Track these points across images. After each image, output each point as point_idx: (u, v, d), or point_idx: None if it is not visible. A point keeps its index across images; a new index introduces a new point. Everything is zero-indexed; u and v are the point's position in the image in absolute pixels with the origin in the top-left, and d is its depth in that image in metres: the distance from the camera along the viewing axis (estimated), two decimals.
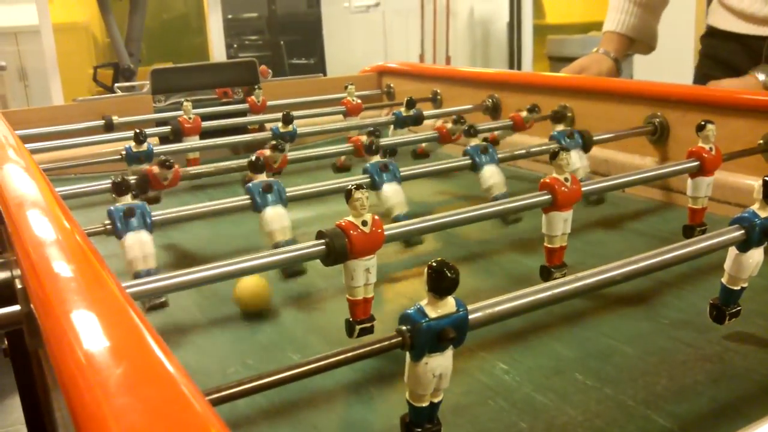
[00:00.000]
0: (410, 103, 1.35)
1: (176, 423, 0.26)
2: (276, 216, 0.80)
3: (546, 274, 0.74)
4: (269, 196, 0.81)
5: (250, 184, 0.82)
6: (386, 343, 0.43)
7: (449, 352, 0.45)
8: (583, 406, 0.54)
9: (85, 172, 1.33)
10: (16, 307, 0.53)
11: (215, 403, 0.39)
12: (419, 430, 0.46)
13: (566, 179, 0.72)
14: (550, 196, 0.72)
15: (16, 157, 0.77)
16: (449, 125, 1.17)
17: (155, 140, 1.37)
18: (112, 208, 0.74)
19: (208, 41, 5.24)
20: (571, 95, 1.26)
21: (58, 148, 1.27)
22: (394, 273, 0.85)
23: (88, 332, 0.33)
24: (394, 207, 0.88)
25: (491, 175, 0.95)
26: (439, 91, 1.60)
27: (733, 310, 0.61)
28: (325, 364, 0.43)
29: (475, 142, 0.99)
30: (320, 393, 0.58)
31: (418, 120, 1.34)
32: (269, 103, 1.53)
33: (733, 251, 0.59)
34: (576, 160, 1.01)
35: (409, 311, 0.43)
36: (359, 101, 1.49)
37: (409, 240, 0.92)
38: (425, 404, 0.46)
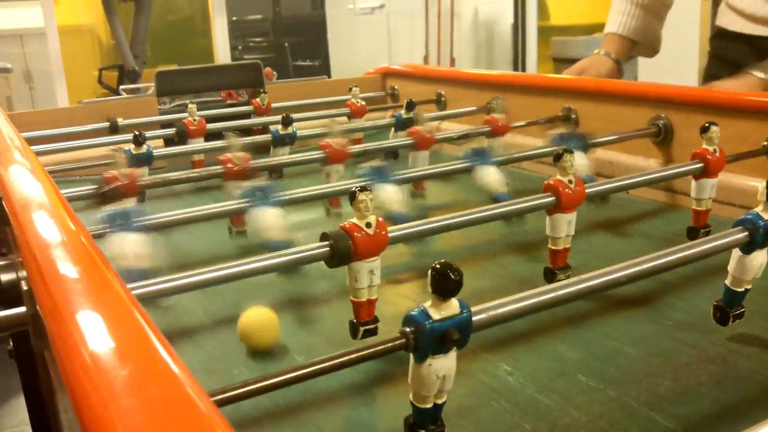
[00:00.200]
0: (410, 105, 1.35)
1: (181, 424, 0.26)
2: (270, 216, 0.80)
3: (550, 276, 0.74)
4: (263, 199, 0.80)
5: (240, 190, 0.81)
6: (390, 344, 0.44)
7: (453, 354, 0.45)
8: (587, 407, 0.54)
9: (90, 174, 1.33)
10: (22, 309, 0.53)
11: (220, 404, 0.39)
12: (423, 431, 0.47)
13: (570, 181, 0.72)
14: (553, 198, 0.72)
15: (22, 159, 0.78)
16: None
17: (160, 142, 1.38)
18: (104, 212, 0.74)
19: (212, 43, 5.26)
20: (575, 97, 1.26)
21: (64, 150, 1.28)
22: (398, 275, 0.85)
23: (94, 334, 0.33)
24: (387, 204, 0.88)
25: (488, 173, 0.95)
26: (443, 92, 1.61)
27: (737, 312, 0.61)
28: (329, 365, 0.43)
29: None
30: (324, 394, 0.58)
31: (419, 122, 1.34)
32: (274, 105, 1.53)
33: (736, 253, 0.59)
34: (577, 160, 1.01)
35: (412, 313, 0.43)
36: (363, 103, 1.49)
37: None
38: (429, 405, 0.46)
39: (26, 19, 4.81)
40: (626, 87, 1.22)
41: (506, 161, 1.01)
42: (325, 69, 5.77)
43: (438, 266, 0.43)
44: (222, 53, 5.12)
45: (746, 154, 0.95)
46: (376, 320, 0.62)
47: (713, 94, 1.10)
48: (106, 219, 0.73)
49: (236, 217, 0.91)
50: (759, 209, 0.58)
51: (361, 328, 0.62)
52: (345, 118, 1.49)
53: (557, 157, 0.73)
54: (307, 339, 0.70)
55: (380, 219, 0.61)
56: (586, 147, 1.03)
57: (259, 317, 0.67)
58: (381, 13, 5.14)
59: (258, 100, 1.54)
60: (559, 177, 0.73)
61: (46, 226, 0.51)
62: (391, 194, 0.87)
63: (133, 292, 0.51)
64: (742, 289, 0.60)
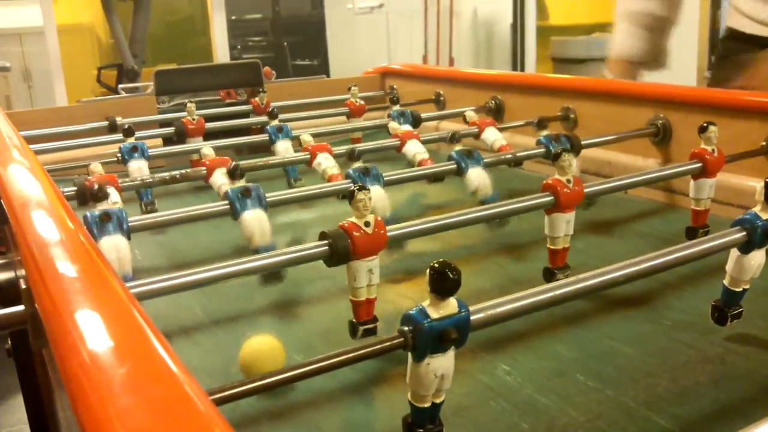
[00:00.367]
0: (394, 100, 1.35)
1: (180, 423, 0.26)
2: (255, 220, 0.80)
3: (549, 276, 0.74)
4: (248, 201, 0.80)
5: (229, 190, 0.81)
6: (388, 343, 0.44)
7: (451, 353, 0.45)
8: (585, 407, 0.54)
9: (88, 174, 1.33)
10: (20, 307, 0.53)
11: (219, 402, 0.39)
12: (421, 430, 0.47)
13: (569, 180, 0.72)
14: (552, 198, 0.72)
15: (21, 158, 0.78)
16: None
17: (159, 141, 1.38)
18: (87, 214, 0.73)
19: (211, 42, 5.25)
20: (574, 97, 1.26)
21: (62, 149, 1.28)
22: (397, 274, 0.85)
23: (93, 332, 0.33)
24: (376, 210, 0.88)
25: (476, 177, 0.94)
26: (442, 92, 1.61)
27: (735, 312, 0.61)
28: (328, 364, 0.43)
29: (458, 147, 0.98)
30: (323, 393, 0.58)
31: (416, 121, 1.34)
32: (273, 104, 1.53)
33: (734, 253, 0.59)
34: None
35: (411, 312, 0.43)
36: (362, 103, 1.49)
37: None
38: (427, 405, 0.46)
39: (25, 17, 4.80)
40: (625, 87, 1.22)
41: (497, 162, 1.01)
42: (324, 68, 5.77)
43: (436, 265, 0.43)
44: (221, 52, 5.12)
45: (745, 154, 0.95)
46: (375, 320, 0.63)
47: (712, 94, 1.10)
48: (95, 221, 0.72)
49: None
50: (757, 209, 0.58)
51: (361, 328, 0.62)
52: (342, 118, 1.49)
53: (556, 157, 0.73)
54: (305, 338, 0.70)
55: (378, 218, 0.61)
56: (574, 148, 1.03)
57: (261, 349, 0.61)
58: (380, 12, 5.13)
59: (257, 99, 1.54)
60: (557, 176, 0.73)
61: (44, 224, 0.51)
62: (377, 197, 0.87)
63: (132, 290, 0.51)
64: (740, 289, 0.60)
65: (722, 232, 0.58)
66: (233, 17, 5.91)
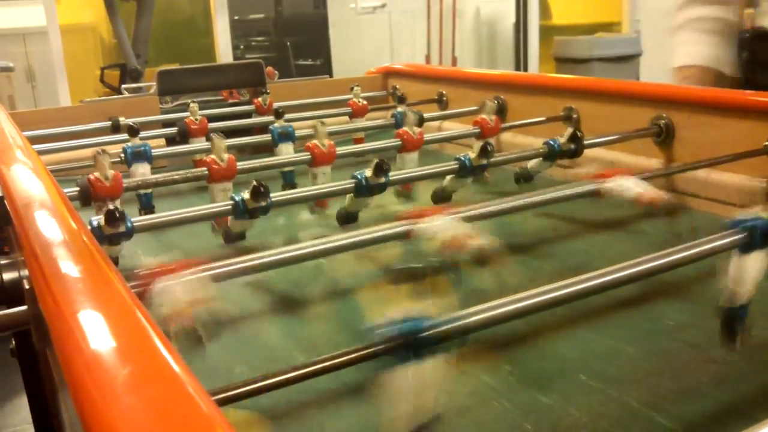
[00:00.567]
0: (401, 99, 1.35)
1: (183, 423, 0.26)
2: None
3: None
4: None
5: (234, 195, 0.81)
6: (391, 344, 0.43)
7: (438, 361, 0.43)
8: (587, 407, 0.54)
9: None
10: (24, 308, 0.53)
11: (221, 403, 0.39)
12: None
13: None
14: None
15: (24, 158, 0.78)
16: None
17: (162, 141, 1.38)
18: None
19: (214, 42, 5.25)
20: (576, 97, 1.26)
21: (66, 149, 1.28)
22: (398, 276, 0.85)
23: (96, 333, 0.33)
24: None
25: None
26: (444, 92, 1.61)
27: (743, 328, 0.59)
28: (331, 364, 0.43)
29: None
30: (326, 393, 0.58)
31: (418, 121, 1.33)
32: (275, 104, 1.53)
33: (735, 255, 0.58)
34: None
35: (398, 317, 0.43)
36: (365, 102, 1.49)
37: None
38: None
39: (28, 18, 4.81)
40: (628, 87, 1.22)
41: (503, 161, 1.01)
42: (326, 68, 5.76)
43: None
44: (224, 52, 5.12)
45: (747, 153, 0.95)
46: None
47: (714, 94, 1.10)
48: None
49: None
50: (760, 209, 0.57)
51: None
52: (344, 118, 1.49)
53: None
54: (308, 338, 0.70)
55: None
56: (579, 150, 1.03)
57: None
58: (383, 12, 5.14)
59: (260, 99, 1.54)
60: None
61: (47, 225, 0.51)
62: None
63: (134, 291, 0.51)
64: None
65: (722, 233, 0.57)
66: (236, 17, 5.91)
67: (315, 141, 1.04)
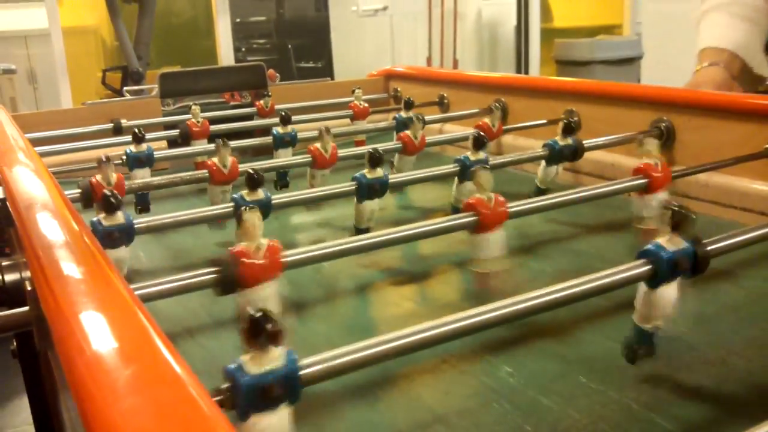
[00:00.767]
0: (408, 104, 1.35)
1: (184, 424, 0.26)
2: None
3: None
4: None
5: (236, 195, 0.81)
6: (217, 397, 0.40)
7: (284, 412, 0.40)
8: (588, 409, 0.54)
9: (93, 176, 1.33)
10: (26, 309, 0.54)
11: (222, 404, 0.40)
12: None
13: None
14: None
15: (26, 160, 0.78)
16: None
17: (164, 144, 1.38)
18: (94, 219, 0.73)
19: (216, 45, 5.26)
20: (577, 99, 1.26)
21: (67, 151, 1.28)
22: (399, 276, 0.85)
23: (97, 334, 0.33)
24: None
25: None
26: (445, 95, 1.61)
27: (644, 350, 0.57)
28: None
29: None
30: (325, 394, 0.58)
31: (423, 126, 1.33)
32: (277, 106, 1.54)
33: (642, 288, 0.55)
34: None
35: (229, 367, 0.40)
36: (366, 105, 1.49)
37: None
38: None
39: (30, 20, 4.82)
40: (628, 89, 1.22)
41: (505, 164, 1.01)
42: (328, 71, 5.77)
43: (253, 314, 0.38)
44: (225, 55, 5.13)
45: (748, 156, 0.95)
46: None
47: (715, 97, 1.10)
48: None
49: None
50: (663, 240, 0.54)
51: None
52: (345, 120, 1.49)
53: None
54: (308, 339, 0.70)
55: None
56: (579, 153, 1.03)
57: None
58: (384, 15, 5.14)
59: (261, 102, 1.54)
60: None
61: (49, 226, 0.51)
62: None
63: (136, 292, 0.51)
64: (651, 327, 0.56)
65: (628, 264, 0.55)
66: (237, 20, 5.92)
67: (317, 144, 1.04)
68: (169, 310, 0.73)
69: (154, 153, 1.12)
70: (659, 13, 4.24)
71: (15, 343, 0.71)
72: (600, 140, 1.08)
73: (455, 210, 0.99)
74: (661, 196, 0.84)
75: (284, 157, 1.20)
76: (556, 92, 1.32)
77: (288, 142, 1.21)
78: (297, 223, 1.09)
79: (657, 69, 4.17)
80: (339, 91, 1.67)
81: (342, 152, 1.07)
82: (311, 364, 0.42)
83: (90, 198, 0.88)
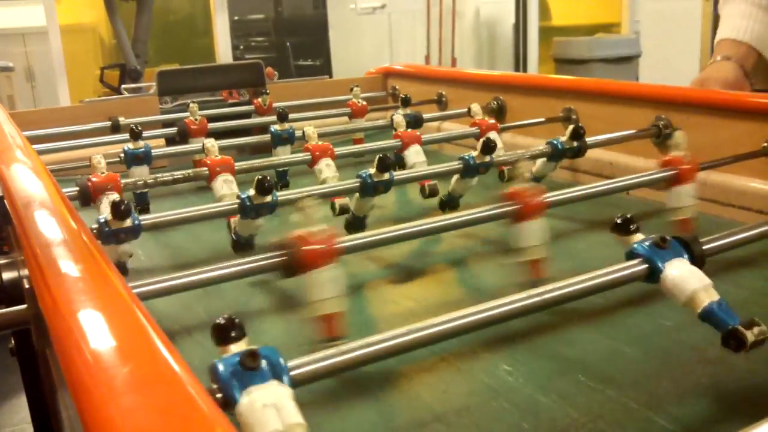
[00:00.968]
0: (406, 101, 1.35)
1: (183, 422, 0.26)
2: None
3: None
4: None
5: (243, 195, 0.81)
6: None
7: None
8: (586, 407, 0.54)
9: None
10: (24, 307, 0.53)
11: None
12: None
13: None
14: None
15: (24, 158, 0.78)
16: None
17: (161, 141, 1.38)
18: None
19: (214, 43, 5.25)
20: (576, 97, 1.26)
21: (65, 149, 1.28)
22: (399, 275, 0.85)
23: (95, 332, 0.33)
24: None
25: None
26: (444, 93, 1.61)
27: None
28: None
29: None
30: (324, 393, 0.58)
31: (417, 121, 1.34)
32: (275, 104, 1.54)
33: None
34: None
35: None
36: (364, 103, 1.49)
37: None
38: None
39: (28, 17, 4.81)
40: (627, 87, 1.23)
41: (503, 162, 1.01)
42: (326, 69, 5.77)
43: (219, 320, 0.40)
44: (223, 53, 5.12)
45: (747, 155, 0.95)
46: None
47: (714, 95, 1.10)
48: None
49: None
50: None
51: None
52: (344, 118, 1.49)
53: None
54: (309, 337, 0.70)
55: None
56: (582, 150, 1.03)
57: None
58: (382, 12, 5.13)
59: (259, 99, 1.54)
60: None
61: (47, 224, 0.51)
62: None
63: (134, 290, 0.51)
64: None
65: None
66: (236, 17, 5.91)
67: (311, 143, 1.04)
68: (167, 308, 0.73)
69: (152, 151, 1.11)
70: (658, 12, 4.24)
71: (13, 341, 0.71)
72: (599, 139, 1.08)
73: (444, 203, 1.00)
74: (690, 187, 0.84)
75: (283, 155, 1.20)
76: (555, 90, 1.32)
77: (286, 139, 1.21)
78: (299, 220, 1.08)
79: (655, 67, 4.17)
80: (337, 89, 1.67)
81: (341, 150, 1.07)
82: (310, 362, 0.43)
83: (88, 196, 0.87)
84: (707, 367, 0.59)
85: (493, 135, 1.18)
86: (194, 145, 1.29)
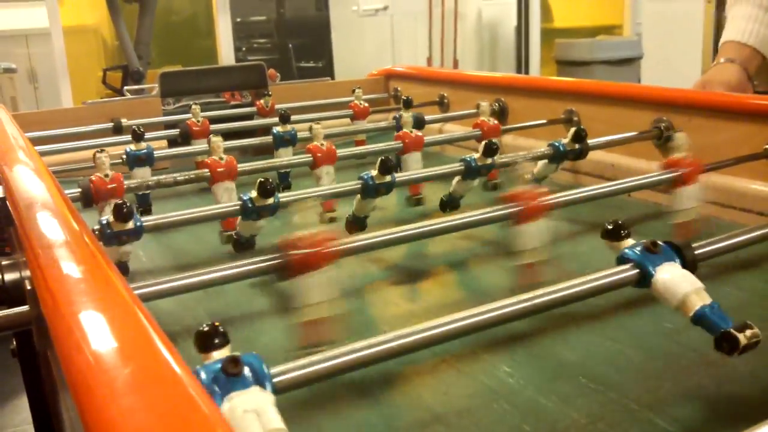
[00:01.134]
0: (407, 103, 1.35)
1: (183, 423, 0.26)
2: None
3: None
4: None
5: (245, 196, 0.81)
6: None
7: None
8: (587, 409, 0.54)
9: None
10: (25, 308, 0.54)
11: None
12: None
13: None
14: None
15: (26, 159, 0.78)
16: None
17: (164, 143, 1.38)
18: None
19: (216, 44, 5.26)
20: (577, 99, 1.26)
21: (68, 151, 1.28)
22: (398, 277, 0.85)
23: (96, 333, 0.33)
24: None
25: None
26: (446, 94, 1.61)
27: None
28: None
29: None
30: (324, 394, 0.58)
31: (419, 123, 1.34)
32: (277, 106, 1.54)
33: None
34: None
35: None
36: (366, 105, 1.49)
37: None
38: None
39: (31, 19, 4.82)
40: (628, 89, 1.22)
41: (506, 163, 1.01)
42: (328, 70, 5.77)
43: (202, 328, 0.40)
44: (226, 54, 5.12)
45: (748, 157, 0.95)
46: None
47: (715, 97, 1.10)
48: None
49: (228, 221, 0.91)
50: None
51: None
52: (346, 120, 1.49)
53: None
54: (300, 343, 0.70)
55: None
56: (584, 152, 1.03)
57: None
58: (385, 14, 5.14)
59: (261, 101, 1.54)
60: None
61: (49, 226, 0.51)
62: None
63: (136, 291, 0.51)
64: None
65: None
66: (238, 19, 5.92)
67: (314, 143, 1.04)
68: (168, 309, 0.73)
69: (155, 152, 1.12)
70: (659, 14, 4.24)
71: (15, 343, 0.71)
72: (600, 141, 1.08)
73: (444, 203, 1.00)
74: (693, 188, 0.84)
75: (285, 156, 1.20)
76: (556, 92, 1.32)
77: (288, 140, 1.21)
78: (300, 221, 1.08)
79: (657, 69, 4.17)
80: (339, 91, 1.67)
81: (343, 152, 1.07)
82: (310, 364, 0.43)
83: (90, 197, 0.88)
84: (709, 369, 0.59)
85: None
86: (196, 146, 1.29)
